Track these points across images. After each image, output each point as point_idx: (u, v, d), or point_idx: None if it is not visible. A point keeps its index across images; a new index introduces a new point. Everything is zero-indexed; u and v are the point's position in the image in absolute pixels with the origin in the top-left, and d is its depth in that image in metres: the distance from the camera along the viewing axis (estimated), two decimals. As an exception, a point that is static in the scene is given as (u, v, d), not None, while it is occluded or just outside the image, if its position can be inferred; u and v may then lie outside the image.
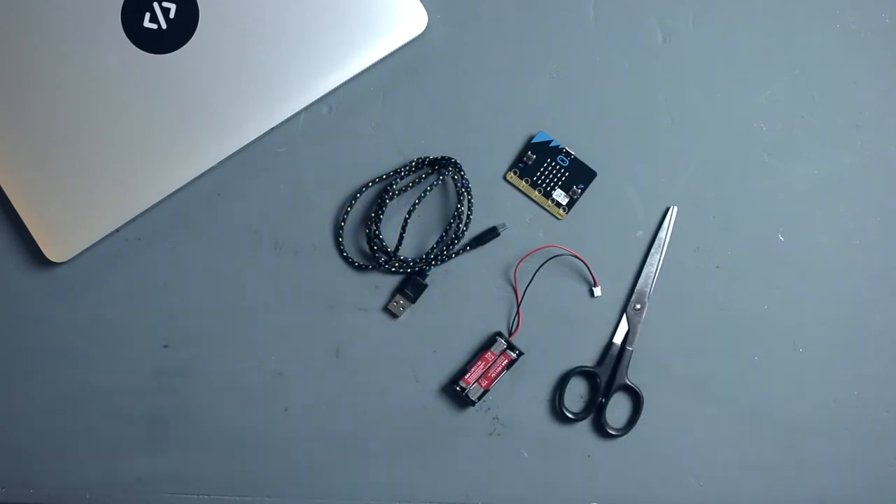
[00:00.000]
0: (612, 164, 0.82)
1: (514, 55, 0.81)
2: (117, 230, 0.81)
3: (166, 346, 0.81)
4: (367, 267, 0.81)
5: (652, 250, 0.82)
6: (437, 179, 0.80)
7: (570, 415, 0.81)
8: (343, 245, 0.81)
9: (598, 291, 0.82)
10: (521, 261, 0.81)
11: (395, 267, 0.80)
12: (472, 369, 0.80)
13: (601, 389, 0.81)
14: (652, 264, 0.82)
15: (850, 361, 0.83)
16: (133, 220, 0.81)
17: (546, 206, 0.82)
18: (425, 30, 0.80)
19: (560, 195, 0.82)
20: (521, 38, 0.77)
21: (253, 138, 0.80)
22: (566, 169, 0.81)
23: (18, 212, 0.80)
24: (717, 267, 0.82)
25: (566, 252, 0.81)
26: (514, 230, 0.82)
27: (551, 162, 0.81)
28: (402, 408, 0.82)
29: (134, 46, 0.79)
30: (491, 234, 0.81)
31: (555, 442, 0.82)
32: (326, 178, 0.81)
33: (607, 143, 0.82)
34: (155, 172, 0.80)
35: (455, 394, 0.81)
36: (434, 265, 0.81)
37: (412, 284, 0.81)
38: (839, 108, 0.83)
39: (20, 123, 0.79)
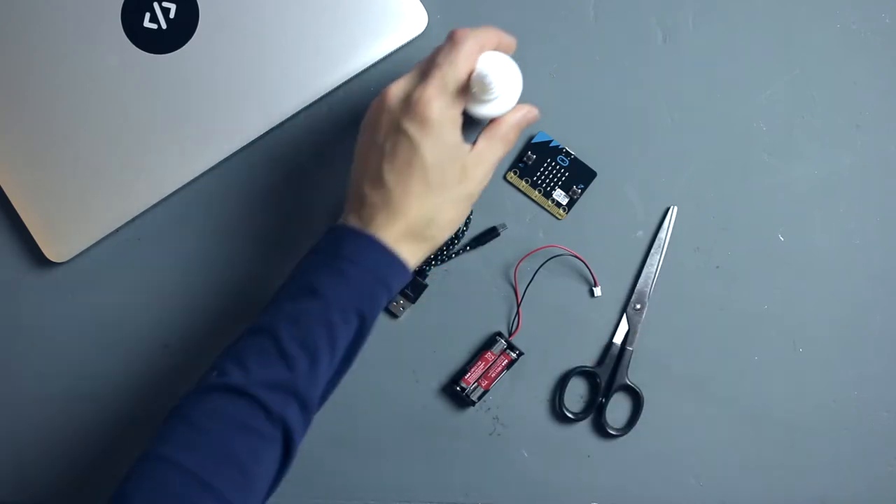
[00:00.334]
0: (612, 164, 0.82)
1: (514, 55, 0.81)
2: (117, 230, 0.81)
3: (166, 346, 0.81)
4: (367, 267, 0.81)
5: (652, 250, 0.82)
6: (437, 179, 0.80)
7: (570, 415, 0.81)
8: (343, 245, 0.81)
9: (598, 291, 0.82)
10: (521, 261, 0.81)
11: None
12: (472, 369, 0.80)
13: (601, 389, 0.81)
14: (652, 264, 0.82)
15: (850, 361, 0.83)
16: (133, 220, 0.81)
17: (546, 206, 0.82)
18: (425, 30, 0.80)
19: (560, 195, 0.82)
20: (521, 38, 0.77)
21: (253, 138, 0.80)
22: (566, 169, 0.81)
23: (18, 212, 0.80)
24: (717, 267, 0.82)
25: (566, 252, 0.81)
26: (514, 230, 0.82)
27: (551, 162, 0.81)
28: (402, 408, 0.82)
29: (134, 46, 0.79)
30: (491, 234, 0.81)
31: (555, 442, 0.82)
32: (326, 177, 0.81)
33: (607, 143, 0.82)
34: (155, 172, 0.80)
35: (455, 394, 0.81)
36: (434, 265, 0.81)
37: (412, 284, 0.81)
38: (839, 108, 0.83)
39: (20, 123, 0.79)
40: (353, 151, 0.71)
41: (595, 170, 0.82)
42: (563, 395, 0.81)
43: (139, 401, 0.82)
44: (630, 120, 0.82)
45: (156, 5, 0.79)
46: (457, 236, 0.80)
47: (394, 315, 0.81)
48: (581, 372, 0.82)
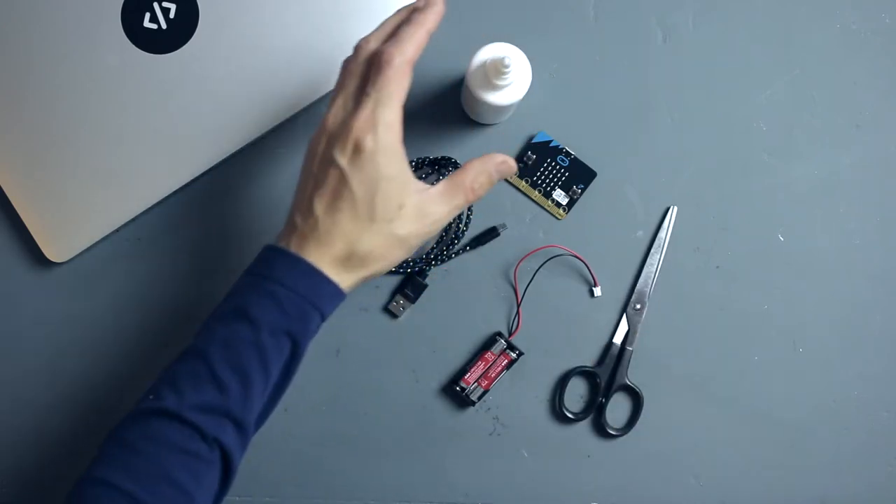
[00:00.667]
0: (612, 164, 0.82)
1: (514, 55, 0.81)
2: (117, 230, 0.81)
3: (166, 346, 0.81)
4: (367, 267, 0.81)
5: (652, 250, 0.82)
6: (437, 179, 0.80)
7: (570, 415, 0.81)
8: (343, 245, 0.81)
9: (598, 291, 0.82)
10: (521, 261, 0.81)
11: (395, 267, 0.80)
12: (472, 369, 0.80)
13: (601, 389, 0.81)
14: (652, 264, 0.82)
15: (850, 361, 0.83)
16: (133, 220, 0.81)
17: (546, 206, 0.82)
18: (425, 30, 0.80)
19: (560, 195, 0.82)
20: (521, 38, 0.77)
21: (253, 138, 0.80)
22: (566, 169, 0.81)
23: (18, 212, 0.80)
24: (717, 267, 0.82)
25: (566, 252, 0.81)
26: (514, 230, 0.82)
27: (551, 162, 0.81)
28: (402, 408, 0.82)
29: (134, 46, 0.79)
30: (491, 234, 0.81)
31: (555, 442, 0.82)
32: (326, 178, 0.81)
33: (607, 143, 0.82)
34: (155, 173, 0.80)
35: (455, 394, 0.81)
36: (434, 265, 0.81)
37: (412, 284, 0.81)
38: (839, 108, 0.83)
39: (20, 123, 0.79)
40: None
41: (595, 170, 0.82)
42: (563, 395, 0.81)
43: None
44: (630, 120, 0.82)
45: (156, 5, 0.79)
46: (457, 236, 0.80)
47: (394, 315, 0.81)
48: (581, 372, 0.82)
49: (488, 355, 0.81)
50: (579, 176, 0.82)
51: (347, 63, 0.67)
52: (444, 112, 0.81)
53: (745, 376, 0.82)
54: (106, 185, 0.79)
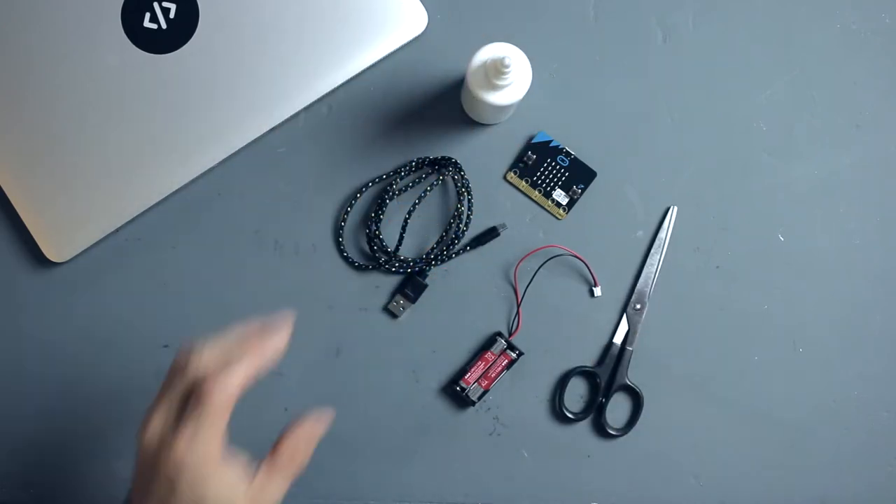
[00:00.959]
0: (612, 164, 0.82)
1: (514, 55, 0.81)
2: (117, 230, 0.81)
3: (166, 346, 0.81)
4: (367, 267, 0.81)
5: (652, 250, 0.82)
6: (437, 179, 0.80)
7: (570, 415, 0.81)
8: (343, 245, 0.81)
9: (598, 291, 0.82)
10: (521, 261, 0.81)
11: (395, 267, 0.80)
12: (472, 369, 0.80)
13: (601, 389, 0.81)
14: (652, 264, 0.82)
15: (850, 361, 0.83)
16: (133, 220, 0.81)
17: (546, 206, 0.82)
18: (425, 30, 0.80)
19: (560, 195, 0.82)
20: (521, 38, 0.77)
21: (253, 138, 0.80)
22: (566, 169, 0.81)
23: (18, 212, 0.80)
24: (717, 267, 0.82)
25: (566, 252, 0.81)
26: (514, 230, 0.82)
27: (551, 162, 0.81)
28: (402, 408, 0.82)
29: (134, 46, 0.79)
30: (491, 234, 0.81)
31: (555, 442, 0.82)
32: (326, 178, 0.81)
33: (607, 143, 0.82)
34: (155, 172, 0.80)
35: (455, 394, 0.81)
36: (434, 265, 0.81)
37: (412, 284, 0.81)
38: (839, 108, 0.83)
39: (20, 123, 0.79)
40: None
41: (595, 170, 0.82)
42: (563, 395, 0.81)
43: (139, 401, 0.82)
44: (630, 120, 0.82)
45: (156, 5, 0.79)
46: (457, 236, 0.80)
47: (394, 315, 0.81)
48: (581, 372, 0.82)
49: (488, 355, 0.81)
50: (579, 176, 0.82)
51: (175, 367, 0.63)
52: (444, 112, 0.81)
53: (745, 376, 0.82)
54: (106, 185, 0.79)
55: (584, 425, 0.82)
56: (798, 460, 0.82)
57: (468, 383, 0.81)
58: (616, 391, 0.82)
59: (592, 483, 0.82)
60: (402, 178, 0.81)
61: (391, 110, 0.82)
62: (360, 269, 0.81)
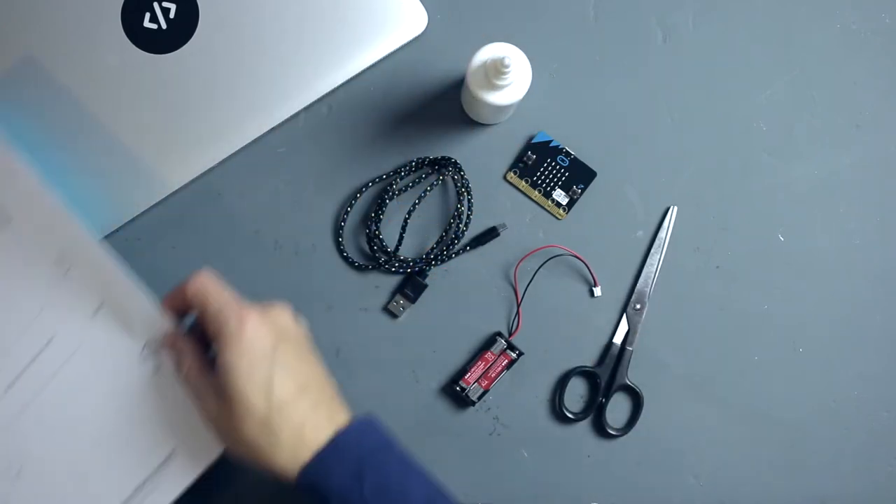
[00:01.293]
0: (612, 164, 0.82)
1: (514, 55, 0.81)
2: (117, 230, 0.81)
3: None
4: (367, 267, 0.81)
5: (652, 250, 0.82)
6: (437, 179, 0.80)
7: (570, 415, 0.81)
8: (343, 245, 0.81)
9: (598, 291, 0.82)
10: (521, 261, 0.81)
11: (395, 267, 0.80)
12: (472, 369, 0.80)
13: (601, 389, 0.81)
14: (652, 264, 0.82)
15: (850, 361, 0.83)
16: (133, 220, 0.81)
17: (546, 206, 0.82)
18: (425, 30, 0.80)
19: (560, 195, 0.82)
20: (521, 38, 0.77)
21: (253, 138, 0.80)
22: (566, 169, 0.81)
23: (18, 212, 0.80)
24: (717, 267, 0.82)
25: (566, 252, 0.81)
26: (514, 230, 0.82)
27: (551, 162, 0.81)
28: (402, 408, 0.81)
29: (134, 46, 0.79)
30: (491, 234, 0.81)
31: (555, 442, 0.82)
32: (326, 178, 0.81)
33: (607, 143, 0.82)
34: (154, 173, 0.79)
35: (455, 394, 0.81)
36: (434, 265, 0.81)
37: (412, 284, 0.81)
38: (839, 108, 0.83)
39: (20, 123, 0.79)
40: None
41: (595, 170, 0.82)
42: (563, 395, 0.81)
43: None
44: (630, 120, 0.82)
45: (156, 5, 0.79)
46: (457, 236, 0.80)
47: (394, 315, 0.81)
48: (581, 372, 0.82)
49: (488, 355, 0.81)
50: (579, 176, 0.82)
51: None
52: (444, 112, 0.81)
53: (745, 376, 0.82)
54: (105, 185, 0.79)
55: (584, 425, 0.82)
56: (798, 460, 0.82)
57: (468, 383, 0.81)
58: (616, 391, 0.82)
59: (592, 483, 0.82)
60: (402, 178, 0.81)
61: (391, 110, 0.82)
62: (360, 269, 0.81)
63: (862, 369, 0.83)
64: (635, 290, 0.82)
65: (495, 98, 0.73)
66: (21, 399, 0.73)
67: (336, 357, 0.81)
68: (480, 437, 0.82)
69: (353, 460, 0.66)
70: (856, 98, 0.83)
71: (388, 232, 0.81)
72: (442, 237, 0.81)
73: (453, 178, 0.81)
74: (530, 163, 0.81)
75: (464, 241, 0.81)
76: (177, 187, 0.80)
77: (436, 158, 0.81)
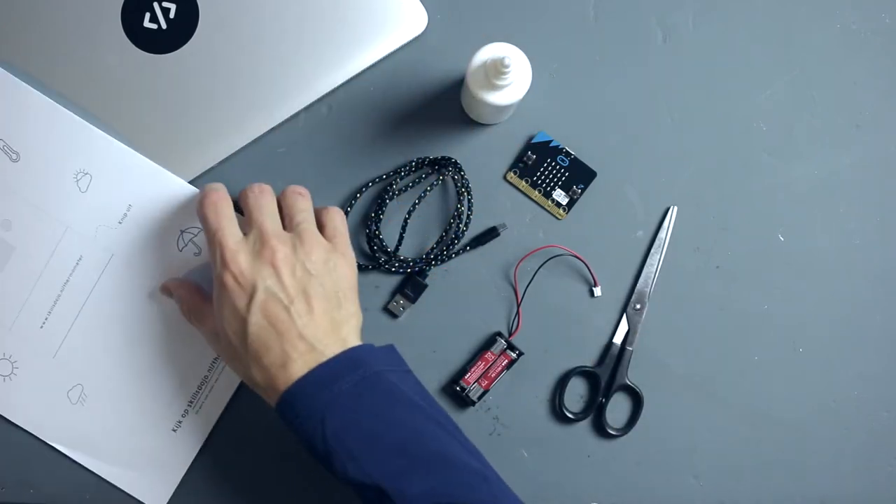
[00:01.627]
0: (612, 164, 0.82)
1: (514, 55, 0.81)
2: (117, 230, 0.81)
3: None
4: (367, 267, 0.81)
5: (652, 250, 0.82)
6: (437, 179, 0.80)
7: (570, 415, 0.81)
8: (343, 245, 0.81)
9: (598, 291, 0.82)
10: (521, 261, 0.81)
11: (395, 267, 0.80)
12: (472, 369, 0.80)
13: (601, 389, 0.81)
14: (652, 264, 0.82)
15: (850, 361, 0.83)
16: (133, 220, 0.81)
17: (546, 206, 0.82)
18: (425, 30, 0.80)
19: (560, 195, 0.82)
20: (521, 38, 0.77)
21: (253, 138, 0.80)
22: (566, 169, 0.81)
23: (18, 212, 0.80)
24: (717, 267, 0.82)
25: (566, 252, 0.81)
26: (514, 230, 0.82)
27: (551, 162, 0.81)
28: (402, 408, 0.81)
29: (134, 46, 0.79)
30: (491, 234, 0.81)
31: (555, 442, 0.82)
32: (326, 178, 0.81)
33: (607, 143, 0.82)
34: (155, 172, 0.80)
35: (455, 394, 0.81)
36: (434, 265, 0.81)
37: (412, 284, 0.81)
38: (839, 108, 0.83)
39: (20, 123, 0.79)
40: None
41: (595, 170, 0.82)
42: (563, 395, 0.81)
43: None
44: (630, 120, 0.82)
45: (156, 5, 0.79)
46: (457, 236, 0.80)
47: (394, 315, 0.81)
48: (581, 372, 0.82)
49: (488, 355, 0.81)
50: (579, 176, 0.82)
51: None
52: (444, 112, 0.81)
53: (745, 376, 0.82)
54: (106, 185, 0.80)
55: (584, 425, 0.82)
56: (798, 460, 0.82)
57: (468, 383, 0.81)
58: (616, 391, 0.82)
59: (592, 483, 0.82)
60: (402, 178, 0.81)
61: (391, 110, 0.81)
62: (360, 269, 0.81)
63: (862, 369, 0.83)
64: (635, 290, 0.82)
65: (495, 98, 0.73)
66: (62, 323, 0.79)
67: (336, 357, 0.81)
68: (480, 437, 0.82)
69: (321, 400, 0.67)
70: (856, 98, 0.83)
71: (388, 232, 0.81)
72: (442, 237, 0.81)
73: (453, 178, 0.81)
74: (530, 163, 0.81)
75: (464, 241, 0.81)
76: (177, 187, 0.80)
77: (436, 158, 0.81)
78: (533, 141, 0.81)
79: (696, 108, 0.82)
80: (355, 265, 0.74)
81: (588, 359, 0.82)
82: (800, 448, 0.82)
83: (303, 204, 0.74)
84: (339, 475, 0.67)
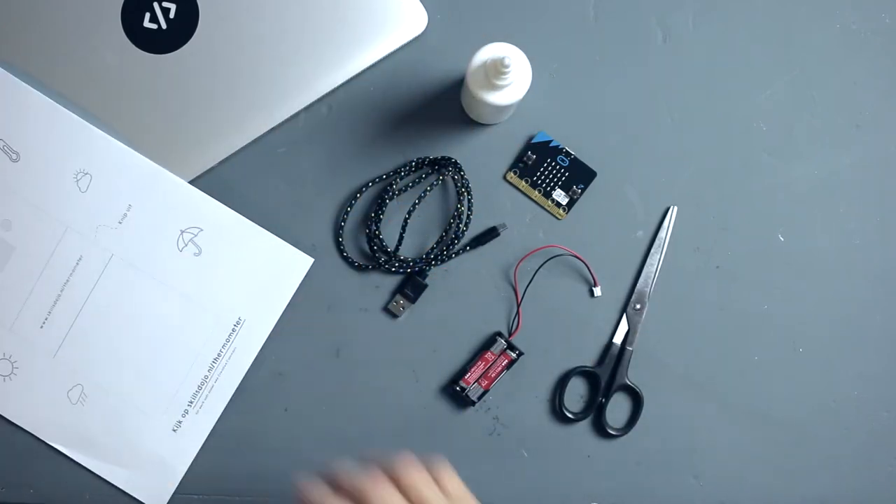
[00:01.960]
0: (612, 164, 0.82)
1: (514, 55, 0.81)
2: (117, 230, 0.81)
3: (166, 346, 0.81)
4: (367, 267, 0.81)
5: (652, 250, 0.82)
6: (437, 179, 0.80)
7: (570, 415, 0.81)
8: (343, 245, 0.81)
9: (598, 291, 0.82)
10: (521, 261, 0.81)
11: (395, 267, 0.80)
12: (472, 369, 0.80)
13: (601, 389, 0.81)
14: (652, 264, 0.82)
15: (851, 361, 0.83)
16: (133, 220, 0.81)
17: (546, 206, 0.82)
18: (425, 30, 0.80)
19: (560, 195, 0.82)
20: (521, 38, 0.77)
21: (253, 138, 0.80)
22: (566, 169, 0.81)
23: (18, 212, 0.80)
24: (717, 267, 0.82)
25: (566, 252, 0.81)
26: (514, 230, 0.82)
27: (551, 162, 0.81)
28: (402, 408, 0.82)
29: (134, 46, 0.79)
30: (491, 234, 0.81)
31: (555, 442, 0.82)
32: (326, 178, 0.81)
33: (607, 143, 0.82)
34: (155, 172, 0.80)
35: (455, 394, 0.81)
36: (434, 265, 0.81)
37: (412, 284, 0.81)
38: (839, 108, 0.83)
39: (20, 123, 0.79)
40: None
41: (595, 170, 0.82)
42: (563, 395, 0.81)
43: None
44: (630, 120, 0.82)
45: (156, 5, 0.79)
46: (457, 236, 0.80)
47: (394, 315, 0.81)
48: (581, 372, 0.82)
49: (488, 355, 0.81)
50: (579, 176, 0.82)
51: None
52: (444, 112, 0.81)
53: (745, 376, 0.82)
54: (106, 185, 0.80)
55: (584, 425, 0.82)
56: (798, 460, 0.82)
57: (468, 383, 0.81)
58: (616, 391, 0.82)
59: (592, 483, 0.82)
60: (402, 178, 0.81)
61: (391, 110, 0.82)
62: (360, 269, 0.81)
63: (862, 369, 0.83)
64: (635, 290, 0.82)
65: (495, 98, 0.73)
66: (62, 323, 0.79)
67: (336, 357, 0.81)
68: (480, 437, 0.82)
69: None
70: (856, 98, 0.83)
71: (388, 232, 0.81)
72: (442, 237, 0.81)
73: (453, 178, 0.81)
74: (530, 163, 0.81)
75: (464, 241, 0.81)
76: (177, 187, 0.80)
77: (436, 158, 0.81)
78: (533, 141, 0.81)
79: (696, 108, 0.82)
80: None
81: (588, 359, 0.82)
82: (800, 448, 0.82)
83: (422, 482, 0.66)
84: None
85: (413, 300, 0.81)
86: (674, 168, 0.82)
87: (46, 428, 0.79)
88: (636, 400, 0.82)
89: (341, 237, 0.81)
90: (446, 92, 0.81)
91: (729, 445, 0.82)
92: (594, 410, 0.82)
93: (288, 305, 0.80)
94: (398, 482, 0.64)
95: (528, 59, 0.74)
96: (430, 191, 0.80)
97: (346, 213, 0.81)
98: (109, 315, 0.78)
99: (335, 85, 0.80)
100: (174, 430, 0.79)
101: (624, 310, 0.82)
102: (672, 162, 0.82)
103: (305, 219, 0.81)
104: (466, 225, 0.81)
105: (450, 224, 0.80)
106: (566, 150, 0.81)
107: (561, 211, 0.82)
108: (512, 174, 0.81)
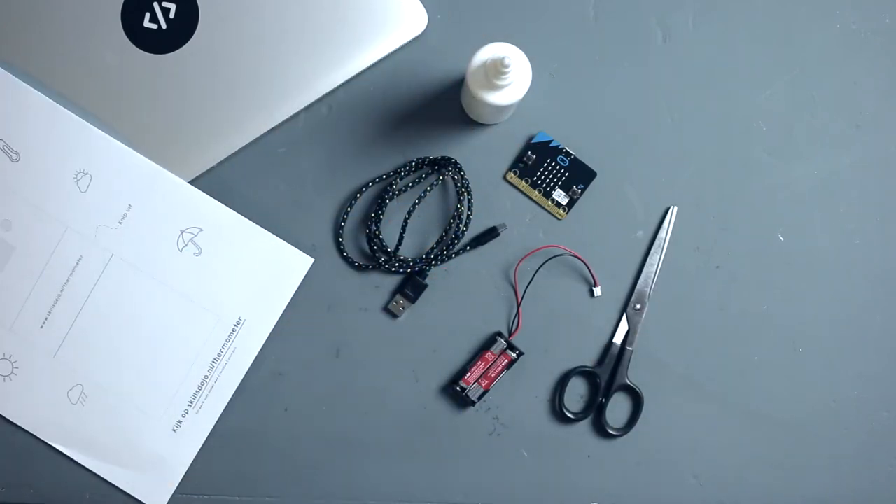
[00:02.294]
0: (612, 164, 0.82)
1: (514, 55, 0.81)
2: (117, 230, 0.81)
3: (166, 346, 0.81)
4: (367, 267, 0.81)
5: (652, 250, 0.82)
6: (437, 179, 0.80)
7: (570, 415, 0.81)
8: (343, 245, 0.81)
9: (598, 291, 0.82)
10: (521, 261, 0.81)
11: (395, 267, 0.80)
12: (472, 369, 0.80)
13: (601, 389, 0.81)
14: (652, 264, 0.82)
15: (851, 361, 0.83)
16: (133, 220, 0.81)
17: (546, 206, 0.82)
18: (425, 30, 0.80)
19: (560, 195, 0.82)
20: (521, 38, 0.77)
21: (253, 138, 0.80)
22: (566, 169, 0.81)
23: (18, 212, 0.80)
24: (717, 267, 0.82)
25: (566, 252, 0.81)
26: (514, 230, 0.82)
27: (551, 162, 0.81)
28: (402, 408, 0.82)
29: (134, 46, 0.79)
30: (491, 234, 0.81)
31: (555, 442, 0.82)
32: (326, 178, 0.81)
33: (607, 143, 0.82)
34: (155, 172, 0.80)
35: (455, 394, 0.81)
36: (434, 265, 0.81)
37: (412, 284, 0.81)
38: (839, 108, 0.83)
39: (20, 123, 0.79)
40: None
41: (595, 170, 0.82)
42: (563, 395, 0.81)
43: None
44: (630, 120, 0.82)
45: (156, 5, 0.79)
46: (457, 236, 0.80)
47: (394, 315, 0.81)
48: (581, 372, 0.82)
49: (488, 355, 0.81)
50: (579, 176, 0.82)
51: None
52: (444, 112, 0.81)
53: (745, 376, 0.82)
54: (106, 185, 0.80)
55: (584, 425, 0.82)
56: (798, 460, 0.82)
57: (468, 383, 0.81)
58: (616, 391, 0.82)
59: (592, 483, 0.82)
60: (402, 178, 0.81)
61: (391, 110, 0.82)
62: (360, 269, 0.81)
63: (862, 369, 0.83)
64: (635, 290, 0.82)
65: (495, 98, 0.73)
66: (62, 323, 0.79)
67: (336, 357, 0.81)
68: (480, 437, 0.82)
69: None
70: (856, 98, 0.83)
71: (388, 232, 0.81)
72: (442, 237, 0.81)
73: (453, 178, 0.81)
74: (530, 163, 0.81)
75: (464, 241, 0.81)
76: (177, 187, 0.80)
77: (436, 158, 0.81)
78: (533, 141, 0.81)
79: (696, 108, 0.82)
80: None
81: (588, 359, 0.82)
82: (800, 448, 0.82)
83: None
84: None
85: (413, 300, 0.81)
86: (674, 168, 0.82)
87: (46, 428, 0.79)
88: (636, 400, 0.82)
89: (341, 237, 0.81)
90: (446, 92, 0.81)
91: (729, 445, 0.82)
92: (594, 410, 0.82)
93: (288, 305, 0.80)
94: None
95: (528, 59, 0.74)
96: (430, 191, 0.80)
97: (346, 213, 0.81)
98: (109, 315, 0.78)
99: (335, 85, 0.80)
100: (174, 430, 0.79)
101: (624, 310, 0.82)
102: (672, 162, 0.82)
103: (305, 219, 0.81)
104: (466, 225, 0.81)
105: (450, 224, 0.80)
106: (566, 150, 0.81)
107: (561, 211, 0.82)
108: (512, 174, 0.81)
